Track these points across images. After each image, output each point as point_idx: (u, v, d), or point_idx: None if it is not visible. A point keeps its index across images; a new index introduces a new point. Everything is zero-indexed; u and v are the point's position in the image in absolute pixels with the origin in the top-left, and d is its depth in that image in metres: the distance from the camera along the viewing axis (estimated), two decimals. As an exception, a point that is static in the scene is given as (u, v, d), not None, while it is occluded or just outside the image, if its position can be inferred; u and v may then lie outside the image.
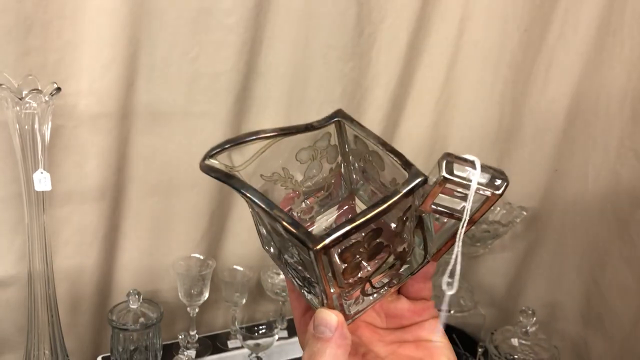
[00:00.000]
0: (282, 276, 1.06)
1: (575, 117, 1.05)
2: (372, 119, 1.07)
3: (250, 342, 0.96)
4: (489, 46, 1.09)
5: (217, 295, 1.06)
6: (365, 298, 0.39)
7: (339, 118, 0.42)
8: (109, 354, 0.95)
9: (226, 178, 0.36)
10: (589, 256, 1.05)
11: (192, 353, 0.99)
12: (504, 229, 1.00)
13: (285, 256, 0.39)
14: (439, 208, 0.36)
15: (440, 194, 0.35)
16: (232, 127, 0.97)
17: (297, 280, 0.40)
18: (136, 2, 0.85)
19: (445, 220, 0.39)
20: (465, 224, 0.35)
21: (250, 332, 0.97)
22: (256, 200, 0.35)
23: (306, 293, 0.39)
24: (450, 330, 1.14)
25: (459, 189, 0.34)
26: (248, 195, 0.35)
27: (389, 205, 0.34)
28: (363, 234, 0.34)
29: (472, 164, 0.34)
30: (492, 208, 1.18)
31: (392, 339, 0.42)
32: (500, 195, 0.34)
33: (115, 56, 0.86)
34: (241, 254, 1.06)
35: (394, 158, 0.38)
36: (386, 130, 1.10)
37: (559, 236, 1.09)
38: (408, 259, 0.39)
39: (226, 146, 0.38)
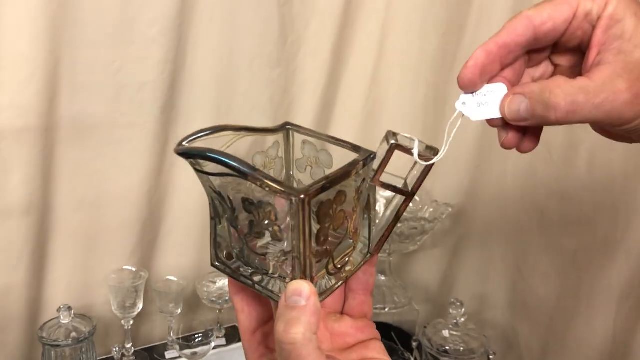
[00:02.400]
0: (218, 284, 1.06)
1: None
2: (302, 124, 1.09)
3: (187, 351, 0.95)
4: (411, 50, 1.14)
5: (152, 307, 1.05)
6: (329, 279, 0.41)
7: (288, 127, 0.47)
8: (41, 373, 0.93)
9: (207, 151, 0.38)
10: (512, 246, 1.10)
11: (128, 366, 0.98)
12: (430, 225, 1.03)
13: (251, 244, 0.40)
14: (386, 182, 0.42)
15: (384, 173, 0.41)
16: (159, 138, 0.97)
17: (262, 271, 0.41)
18: (55, 14, 0.84)
19: (386, 211, 0.45)
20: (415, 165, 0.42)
21: (187, 341, 0.96)
22: (237, 165, 0.36)
23: (272, 283, 0.40)
24: (387, 328, 1.16)
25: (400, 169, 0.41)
26: (229, 162, 0.36)
27: (351, 170, 0.39)
28: (334, 194, 0.38)
29: (410, 139, 0.41)
30: (420, 207, 1.20)
31: None
32: (434, 162, 0.41)
33: (35, 69, 0.85)
34: (174, 264, 1.06)
35: (344, 145, 0.43)
36: (316, 134, 1.12)
37: (484, 229, 1.14)
38: (356, 246, 0.43)
39: (199, 135, 0.41)
